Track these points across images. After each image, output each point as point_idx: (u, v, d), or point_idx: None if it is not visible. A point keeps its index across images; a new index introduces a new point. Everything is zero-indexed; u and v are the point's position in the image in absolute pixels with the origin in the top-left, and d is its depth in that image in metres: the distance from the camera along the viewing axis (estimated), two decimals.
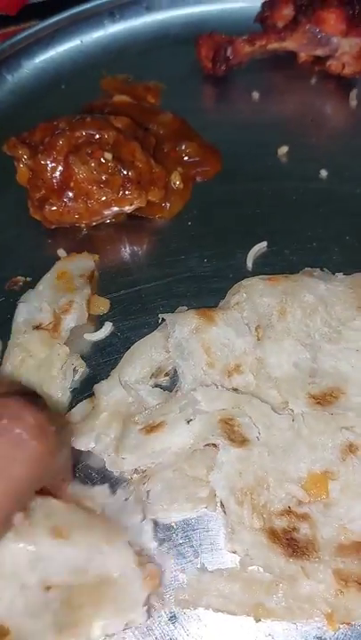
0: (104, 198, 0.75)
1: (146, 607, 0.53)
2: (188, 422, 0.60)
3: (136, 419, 0.63)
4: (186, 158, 0.85)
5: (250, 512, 0.57)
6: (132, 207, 0.77)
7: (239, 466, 0.58)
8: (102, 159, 0.74)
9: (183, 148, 0.85)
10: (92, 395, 0.66)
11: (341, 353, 0.67)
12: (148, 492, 0.60)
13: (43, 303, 0.70)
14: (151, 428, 0.61)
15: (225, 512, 0.58)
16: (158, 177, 0.78)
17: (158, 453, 0.60)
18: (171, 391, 0.66)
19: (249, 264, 0.77)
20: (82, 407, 0.66)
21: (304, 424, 0.61)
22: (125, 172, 0.74)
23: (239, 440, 0.59)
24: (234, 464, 0.58)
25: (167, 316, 0.70)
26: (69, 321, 0.69)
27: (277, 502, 0.58)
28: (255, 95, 0.94)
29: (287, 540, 0.56)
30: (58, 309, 0.69)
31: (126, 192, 0.75)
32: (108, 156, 0.74)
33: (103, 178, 0.74)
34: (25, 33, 0.97)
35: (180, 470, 0.60)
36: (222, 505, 0.59)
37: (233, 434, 0.59)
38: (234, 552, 0.56)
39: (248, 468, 0.58)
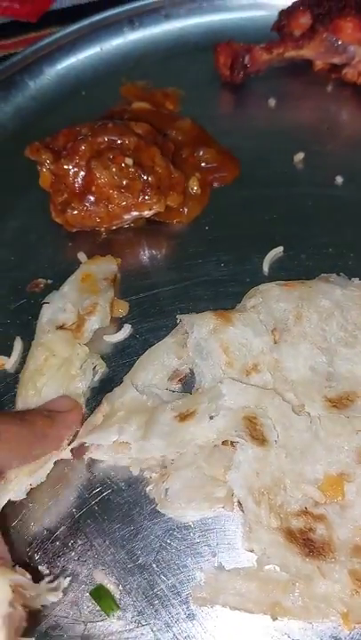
0: (124, 203, 0.76)
1: None
2: (211, 418, 0.61)
3: (170, 406, 0.64)
4: (204, 164, 0.87)
5: (267, 512, 0.58)
6: (152, 212, 0.78)
7: (257, 465, 0.60)
8: (123, 164, 0.75)
9: (201, 154, 0.86)
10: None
11: (358, 357, 0.68)
12: (166, 489, 0.61)
13: (67, 304, 0.72)
14: (185, 417, 0.62)
15: (243, 511, 0.59)
16: (177, 182, 0.79)
17: (185, 442, 0.61)
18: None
19: (265, 268, 0.78)
20: (92, 419, 0.66)
21: (321, 426, 0.62)
22: (145, 178, 0.76)
23: (260, 439, 0.60)
24: (251, 463, 0.60)
25: (185, 317, 0.71)
26: (93, 322, 0.70)
27: (294, 503, 0.59)
28: (272, 102, 0.96)
29: (304, 540, 0.57)
30: (82, 310, 0.71)
31: (146, 197, 0.76)
32: (129, 161, 0.75)
33: (124, 183, 0.76)
34: (46, 40, 0.99)
35: (198, 469, 0.61)
36: (240, 504, 0.60)
37: (255, 432, 0.60)
38: (251, 551, 0.58)
39: (265, 469, 0.60)
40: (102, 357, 0.71)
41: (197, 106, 0.95)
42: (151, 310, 0.76)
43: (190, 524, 0.61)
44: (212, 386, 0.65)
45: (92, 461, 0.65)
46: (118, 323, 0.74)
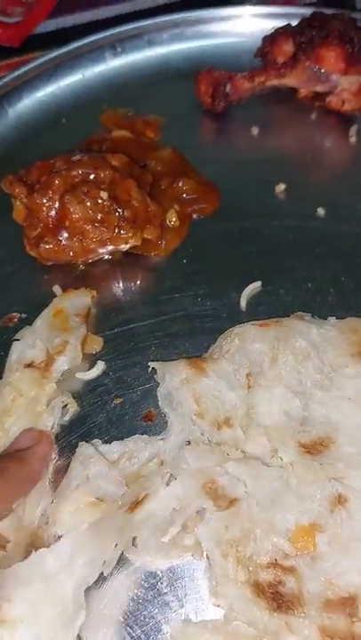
0: (99, 237, 0.76)
1: None
2: (168, 484, 0.60)
3: (120, 503, 0.61)
4: (184, 195, 0.86)
5: (235, 565, 0.57)
6: (128, 246, 0.78)
7: (226, 520, 0.59)
8: (98, 198, 0.75)
9: (181, 185, 0.86)
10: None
11: (333, 401, 0.67)
12: (134, 538, 0.60)
13: (36, 340, 0.71)
14: (135, 505, 0.61)
15: (210, 564, 0.58)
16: (154, 215, 0.79)
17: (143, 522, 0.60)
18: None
19: (243, 304, 0.77)
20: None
21: (293, 474, 0.61)
22: (121, 212, 0.75)
23: (225, 500, 0.60)
24: (221, 519, 0.59)
25: (157, 365, 0.71)
26: (63, 363, 0.69)
27: (264, 554, 0.58)
28: (255, 130, 0.95)
29: (272, 593, 0.56)
30: (52, 349, 0.70)
31: (122, 231, 0.75)
32: (104, 195, 0.75)
33: (99, 217, 0.75)
34: (27, 67, 0.98)
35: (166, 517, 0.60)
36: (208, 556, 0.59)
37: (217, 496, 0.60)
38: (218, 606, 0.56)
39: (235, 521, 0.59)
40: (73, 395, 0.70)
41: (178, 134, 0.95)
42: (125, 346, 0.75)
43: (159, 572, 0.60)
44: (174, 443, 0.64)
45: None
46: (91, 359, 0.73)
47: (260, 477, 0.61)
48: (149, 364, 0.71)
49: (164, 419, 0.68)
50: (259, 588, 0.56)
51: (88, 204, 0.74)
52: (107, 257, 0.81)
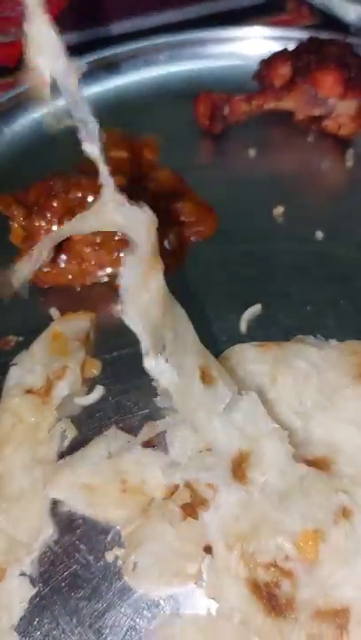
0: (98, 260, 0.77)
1: None
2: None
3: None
4: (182, 218, 0.87)
5: (238, 559, 0.58)
6: None
7: (237, 510, 0.60)
8: None
9: (179, 207, 0.87)
10: None
11: (333, 422, 0.69)
12: (135, 563, 0.61)
13: (35, 365, 0.72)
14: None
15: (212, 554, 0.59)
16: None
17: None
18: None
19: (243, 327, 0.79)
20: None
21: (303, 478, 0.62)
22: (120, 234, 0.77)
23: (241, 478, 0.61)
24: (232, 508, 0.60)
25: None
26: (62, 388, 0.70)
27: (266, 553, 0.59)
28: (252, 152, 0.98)
29: (268, 593, 0.57)
30: (51, 374, 0.71)
31: (120, 254, 0.77)
32: None
33: (97, 240, 0.76)
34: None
35: (168, 544, 0.61)
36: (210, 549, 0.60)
37: (239, 471, 0.61)
38: (213, 598, 0.58)
39: (246, 513, 0.60)
40: (72, 421, 0.71)
41: (177, 155, 0.97)
42: (124, 370, 0.76)
43: (161, 601, 0.61)
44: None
45: (59, 531, 0.64)
46: (90, 383, 0.74)
47: (283, 474, 0.62)
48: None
49: (164, 444, 0.69)
50: (256, 587, 0.57)
51: None
52: (105, 279, 0.82)
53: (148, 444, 0.70)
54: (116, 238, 0.76)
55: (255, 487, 0.61)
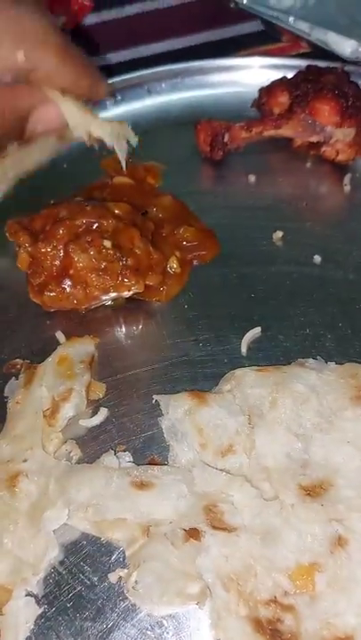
0: (103, 285, 0.79)
1: None
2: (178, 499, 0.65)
3: (126, 471, 0.68)
4: (184, 242, 0.90)
5: (236, 598, 0.60)
6: (130, 293, 0.82)
7: (226, 550, 0.62)
8: (102, 247, 0.78)
9: (181, 232, 0.90)
10: None
11: (333, 444, 0.70)
12: (136, 581, 0.62)
13: (42, 387, 0.74)
14: (141, 484, 0.66)
15: (212, 596, 0.61)
16: (157, 263, 0.83)
17: (143, 514, 0.65)
18: None
19: (243, 349, 0.81)
20: None
21: (293, 513, 0.65)
22: (125, 260, 0.79)
23: (222, 527, 0.63)
24: (220, 548, 0.62)
25: (161, 398, 0.75)
26: (68, 409, 0.73)
27: (264, 591, 0.61)
28: (252, 178, 1.01)
29: (271, 630, 0.59)
30: (57, 396, 0.73)
31: (125, 279, 0.79)
32: (108, 243, 0.79)
33: (102, 265, 0.79)
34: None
35: (169, 564, 0.63)
36: (210, 589, 0.61)
37: (216, 521, 0.63)
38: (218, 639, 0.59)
39: (235, 554, 0.62)
40: (76, 442, 0.73)
41: (178, 181, 1.00)
42: (128, 392, 0.78)
43: (164, 622, 0.62)
44: (181, 468, 0.68)
45: (64, 552, 0.66)
46: (94, 405, 0.76)
47: (261, 513, 0.64)
48: (153, 396, 0.75)
49: (143, 447, 0.72)
50: (258, 624, 0.59)
51: (92, 252, 0.78)
52: (109, 303, 0.84)
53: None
54: (121, 264, 0.79)
55: (235, 531, 0.63)
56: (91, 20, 1.27)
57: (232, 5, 1.22)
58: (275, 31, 1.23)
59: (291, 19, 1.15)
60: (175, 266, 0.87)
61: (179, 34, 1.24)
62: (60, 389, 0.74)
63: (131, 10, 1.31)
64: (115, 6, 1.29)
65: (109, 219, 0.81)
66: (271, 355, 0.80)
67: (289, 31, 1.19)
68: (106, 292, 0.80)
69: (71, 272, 0.79)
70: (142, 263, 0.81)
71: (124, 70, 1.12)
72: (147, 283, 0.82)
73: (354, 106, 0.93)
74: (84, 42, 1.10)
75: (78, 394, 0.74)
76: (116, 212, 0.83)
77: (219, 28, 1.25)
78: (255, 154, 1.03)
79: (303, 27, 1.14)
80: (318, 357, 0.78)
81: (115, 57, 1.21)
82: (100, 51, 1.21)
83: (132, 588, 0.62)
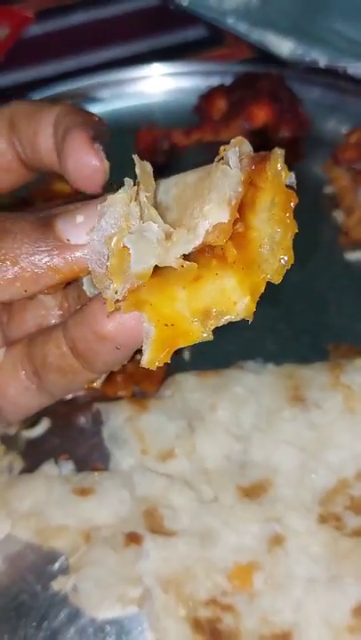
0: None
1: None
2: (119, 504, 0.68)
3: (66, 479, 0.71)
4: None
5: (175, 600, 0.63)
6: None
7: (165, 553, 0.65)
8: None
9: None
10: None
11: (271, 444, 0.74)
12: (77, 587, 0.65)
13: None
14: (82, 491, 0.69)
15: (151, 598, 0.63)
16: None
17: (85, 520, 0.68)
18: None
19: (186, 355, 0.84)
20: None
21: (231, 513, 0.68)
22: None
23: (163, 532, 0.66)
24: (160, 551, 0.65)
25: (101, 406, 0.78)
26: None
27: (203, 592, 0.64)
28: None
29: (211, 629, 0.62)
30: None
31: None
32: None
33: None
34: None
35: (110, 569, 0.65)
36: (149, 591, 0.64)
37: (155, 525, 0.67)
38: None
39: (174, 556, 0.65)
40: (18, 453, 0.75)
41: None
42: (69, 402, 0.80)
43: (107, 626, 0.65)
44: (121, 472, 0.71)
45: (8, 562, 0.68)
46: (35, 417, 0.78)
47: (200, 516, 0.67)
48: (94, 404, 0.78)
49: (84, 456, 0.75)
50: (198, 625, 0.62)
51: None
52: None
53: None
54: None
55: (175, 535, 0.66)
56: (34, 30, 1.29)
57: (172, 7, 1.25)
58: (218, 35, 1.26)
59: (230, 20, 1.19)
60: None
61: (123, 42, 1.27)
62: None
63: (76, 19, 1.34)
64: (58, 16, 1.31)
65: None
66: (213, 358, 0.83)
67: (230, 34, 1.22)
68: None
69: None
70: None
71: (65, 80, 1.14)
72: None
73: (289, 109, 0.97)
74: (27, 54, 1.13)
75: None
76: None
77: (163, 35, 1.28)
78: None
79: (242, 28, 1.17)
80: (258, 359, 0.81)
81: (59, 67, 1.23)
82: (41, 61, 1.23)
83: (74, 593, 0.65)
